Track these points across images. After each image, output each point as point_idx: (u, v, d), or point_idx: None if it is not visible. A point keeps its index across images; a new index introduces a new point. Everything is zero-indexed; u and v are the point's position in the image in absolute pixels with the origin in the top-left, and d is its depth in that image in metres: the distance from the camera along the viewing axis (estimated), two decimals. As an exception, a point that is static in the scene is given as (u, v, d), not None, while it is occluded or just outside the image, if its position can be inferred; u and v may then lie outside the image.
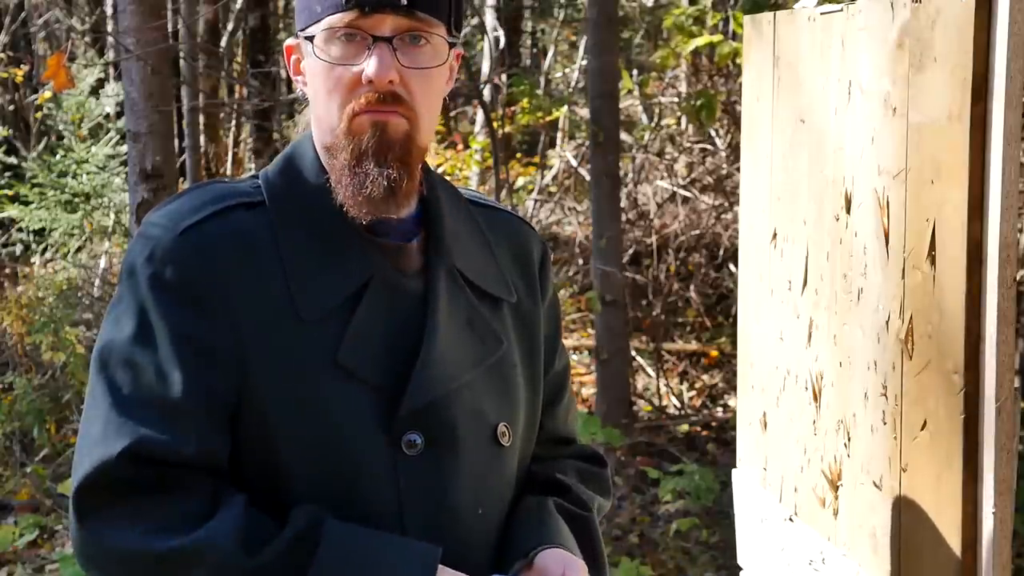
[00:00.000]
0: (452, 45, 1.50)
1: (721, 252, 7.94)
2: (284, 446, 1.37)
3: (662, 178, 8.71)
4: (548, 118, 9.73)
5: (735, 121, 7.65)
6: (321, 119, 1.45)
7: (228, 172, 12.00)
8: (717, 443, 6.34)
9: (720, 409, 7.05)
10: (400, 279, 1.46)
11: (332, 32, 1.41)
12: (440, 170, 9.32)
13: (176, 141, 7.94)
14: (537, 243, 1.66)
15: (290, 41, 1.50)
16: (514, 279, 1.58)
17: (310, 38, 1.43)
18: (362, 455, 1.39)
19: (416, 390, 1.40)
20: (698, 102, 6.68)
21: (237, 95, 11.52)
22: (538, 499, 1.57)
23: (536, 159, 10.18)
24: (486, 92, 8.82)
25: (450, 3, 1.47)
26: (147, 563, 1.30)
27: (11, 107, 9.80)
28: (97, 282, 8.78)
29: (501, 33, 10.60)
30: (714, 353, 7.58)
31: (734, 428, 2.67)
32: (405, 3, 1.39)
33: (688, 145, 8.80)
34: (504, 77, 10.00)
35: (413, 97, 1.42)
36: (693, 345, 7.82)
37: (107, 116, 9.61)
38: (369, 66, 1.39)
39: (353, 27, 1.40)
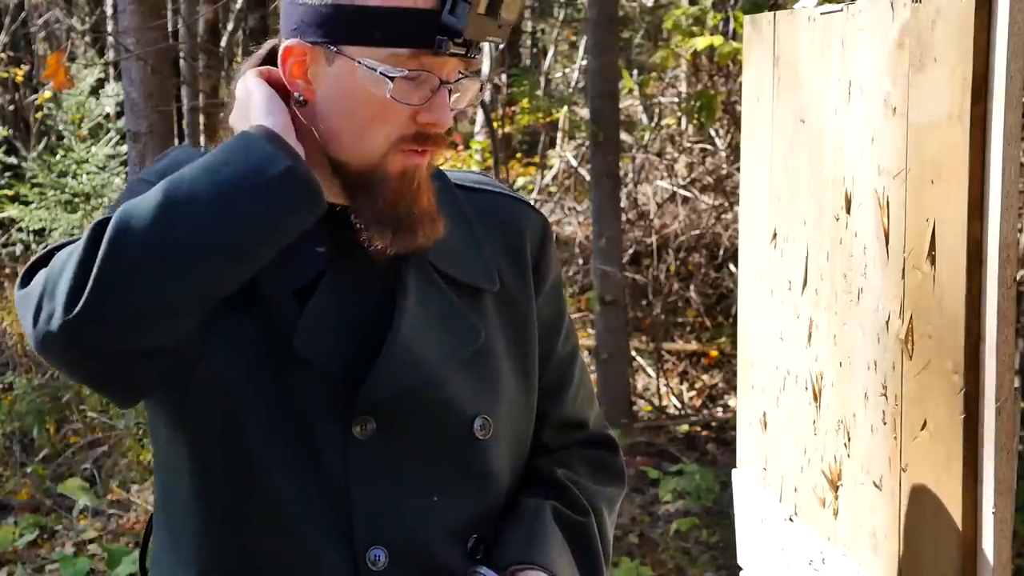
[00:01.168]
0: (480, 83, 1.50)
1: (721, 252, 7.94)
2: (244, 417, 1.39)
3: (662, 178, 8.72)
4: (548, 118, 9.73)
5: (735, 121, 7.65)
6: (345, 139, 1.40)
7: (228, 172, 11.97)
8: (717, 443, 6.34)
9: (720, 409, 7.05)
10: (367, 268, 1.44)
11: (398, 62, 1.36)
12: (440, 170, 9.31)
13: (176, 141, 7.94)
14: (534, 224, 1.64)
15: (300, 45, 1.40)
16: (501, 265, 1.56)
17: (361, 60, 1.37)
18: (315, 435, 1.41)
19: (377, 380, 1.41)
20: (698, 102, 6.68)
21: (237, 95, 11.51)
22: (535, 503, 1.56)
23: (536, 159, 10.18)
24: (486, 92, 8.82)
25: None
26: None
27: (11, 107, 9.80)
28: (97, 282, 8.77)
29: (501, 33, 10.60)
30: (714, 353, 7.58)
31: (734, 428, 2.67)
32: (473, 55, 1.39)
33: (688, 145, 8.80)
34: (504, 77, 10.00)
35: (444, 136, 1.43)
36: (693, 345, 7.82)
37: (107, 116, 9.60)
38: (435, 111, 1.38)
39: (425, 68, 1.36)
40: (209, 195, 1.26)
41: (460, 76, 1.41)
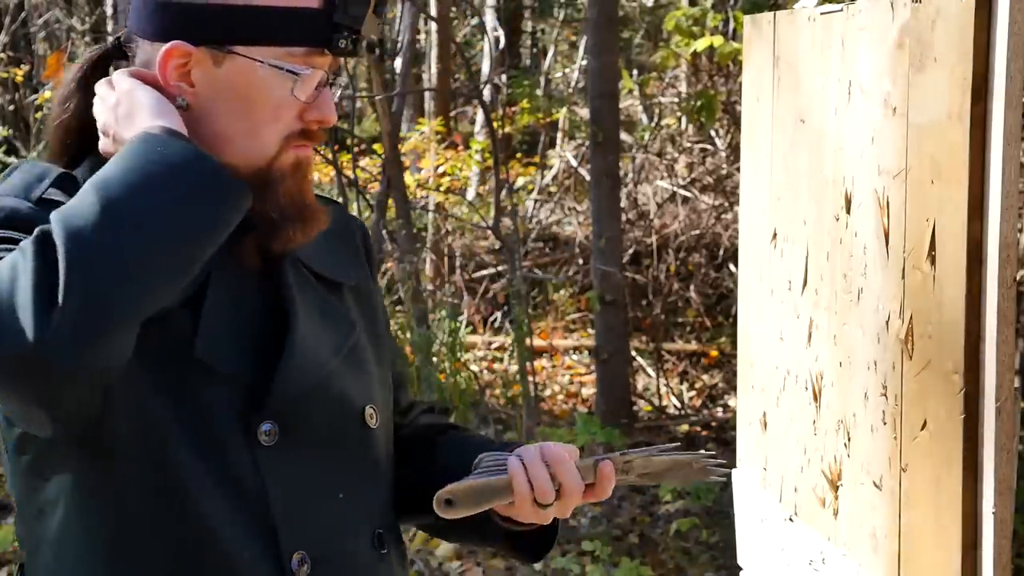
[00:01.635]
0: (341, 86, 1.50)
1: (721, 252, 7.94)
2: (160, 431, 1.35)
3: (662, 178, 8.72)
4: (548, 118, 9.74)
5: (735, 121, 7.65)
6: (236, 140, 1.38)
7: (228, 172, 11.98)
8: (717, 443, 6.34)
9: (720, 409, 7.05)
10: (244, 269, 1.44)
11: (293, 61, 1.37)
12: (440, 170, 9.32)
13: (176, 141, 7.91)
14: (356, 224, 1.68)
15: (184, 47, 1.36)
16: (350, 262, 1.59)
17: (264, 59, 1.37)
18: (224, 446, 1.38)
19: (282, 384, 1.39)
20: (698, 102, 6.68)
21: (237, 95, 11.49)
22: (459, 434, 1.65)
23: (536, 159, 10.19)
24: (486, 92, 8.82)
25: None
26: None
27: (11, 107, 9.80)
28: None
29: (501, 33, 10.60)
30: (714, 353, 7.58)
31: (734, 428, 2.67)
32: (358, 51, 1.39)
33: (688, 145, 8.80)
34: (504, 77, 10.00)
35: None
36: (693, 345, 7.82)
37: (107, 116, 9.59)
38: (323, 108, 1.40)
39: (315, 66, 1.38)
40: (155, 202, 1.24)
41: (334, 76, 1.43)
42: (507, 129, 9.12)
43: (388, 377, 1.59)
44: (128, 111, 1.35)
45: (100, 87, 1.41)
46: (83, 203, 1.23)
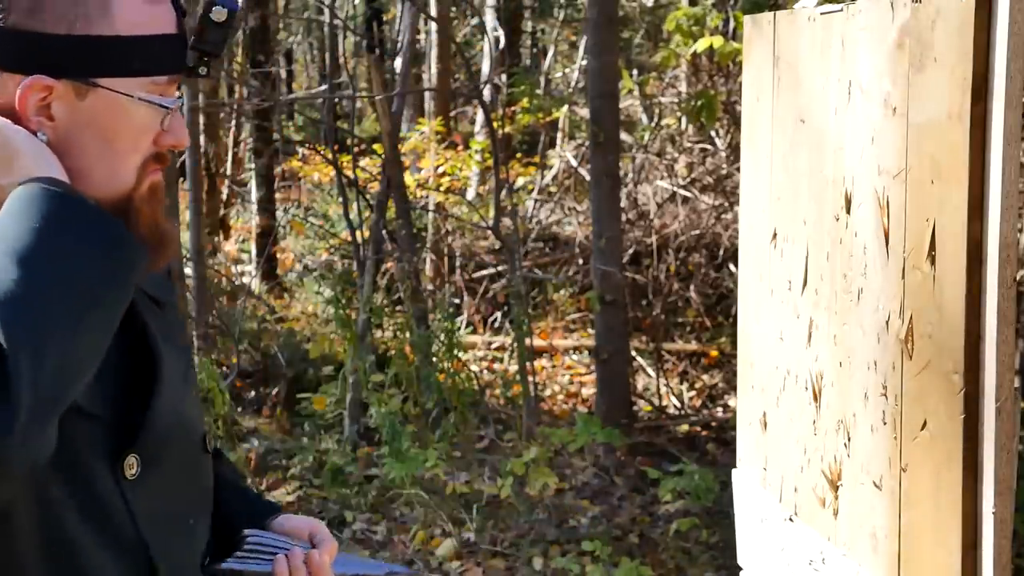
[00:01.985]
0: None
1: (721, 252, 7.94)
2: (42, 475, 1.30)
3: (662, 178, 8.72)
4: (548, 118, 9.74)
5: (735, 121, 7.66)
6: (97, 172, 1.35)
7: (228, 172, 12.00)
8: (717, 443, 6.34)
9: (720, 409, 7.05)
10: None
11: (153, 90, 1.35)
12: (440, 170, 9.33)
13: (176, 141, 7.92)
14: None
15: (46, 80, 1.31)
16: (162, 278, 1.59)
17: (130, 92, 1.34)
18: (96, 483, 1.36)
19: (154, 418, 1.39)
20: (698, 102, 6.68)
21: (237, 95, 11.52)
22: (234, 480, 1.67)
23: (536, 159, 10.19)
24: (486, 92, 8.82)
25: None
26: None
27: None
28: (97, 282, 8.77)
29: (501, 33, 10.61)
30: (714, 353, 7.58)
31: (734, 428, 2.67)
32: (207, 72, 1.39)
33: (688, 145, 8.80)
34: (504, 77, 10.00)
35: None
36: (693, 345, 7.82)
37: (107, 116, 9.58)
38: (178, 131, 1.39)
39: (166, 92, 1.36)
40: (77, 279, 1.20)
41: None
42: (507, 129, 9.12)
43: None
44: (3, 153, 1.30)
45: None
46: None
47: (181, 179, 7.91)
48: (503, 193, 7.05)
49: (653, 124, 9.23)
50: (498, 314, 8.45)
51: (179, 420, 1.45)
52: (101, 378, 1.33)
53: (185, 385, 1.49)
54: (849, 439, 2.02)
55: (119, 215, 1.33)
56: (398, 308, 7.28)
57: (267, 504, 1.66)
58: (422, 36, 12.28)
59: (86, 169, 1.34)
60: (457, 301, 8.27)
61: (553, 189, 9.89)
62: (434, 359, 6.13)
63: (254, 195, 10.46)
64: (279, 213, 10.57)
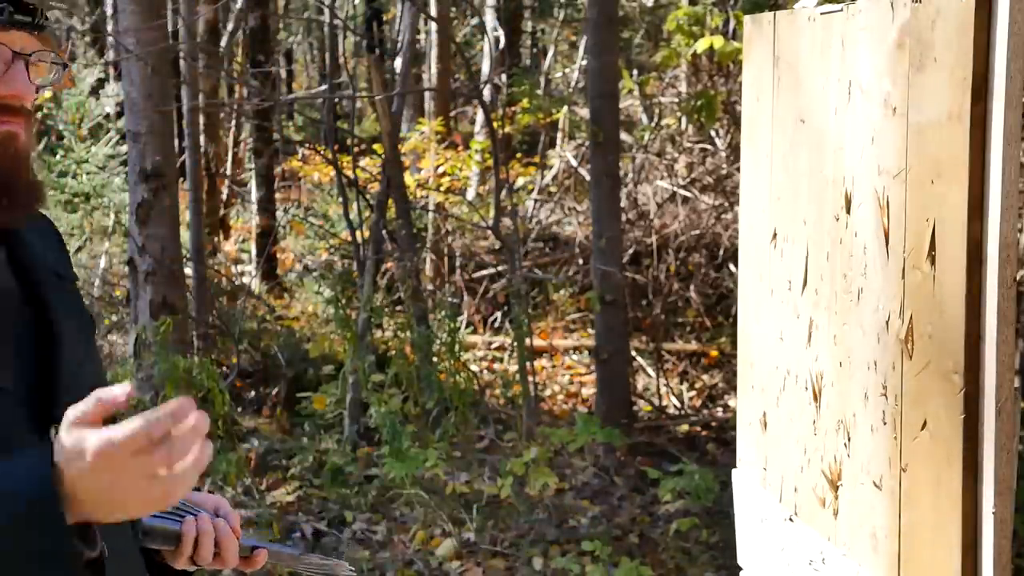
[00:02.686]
0: (64, 67, 1.55)
1: (721, 252, 7.94)
2: None
3: (662, 178, 8.72)
4: (548, 118, 9.74)
5: (735, 121, 7.66)
6: None
7: (228, 172, 12.00)
8: (717, 443, 6.34)
9: (720, 409, 7.05)
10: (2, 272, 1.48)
11: None
12: (440, 170, 9.33)
13: (176, 141, 7.94)
14: (50, 220, 1.70)
15: None
16: (64, 257, 1.63)
17: None
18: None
19: (65, 392, 1.40)
20: (698, 102, 6.69)
21: (237, 95, 11.51)
22: None
23: (536, 159, 10.19)
24: (486, 92, 8.82)
25: (68, 30, 1.49)
26: None
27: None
28: (97, 282, 8.78)
29: (501, 33, 10.61)
30: (714, 353, 7.58)
31: (734, 428, 2.67)
32: (42, 24, 1.44)
33: (688, 145, 8.80)
34: (504, 77, 10.00)
35: (32, 110, 1.47)
36: (693, 345, 7.82)
37: (107, 116, 9.60)
38: (10, 82, 1.42)
39: (3, 41, 1.42)
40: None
41: (42, 55, 1.46)
42: (507, 129, 9.12)
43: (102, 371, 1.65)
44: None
45: None
46: None
47: (181, 179, 7.91)
48: (503, 193, 7.05)
49: (653, 124, 9.24)
50: (498, 314, 8.45)
51: (81, 394, 1.46)
52: (7, 352, 1.39)
53: (87, 359, 1.53)
54: (849, 439, 2.02)
55: None
56: (398, 308, 7.28)
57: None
58: (422, 36, 12.28)
59: None
60: (457, 301, 8.27)
61: (553, 189, 9.89)
62: (434, 359, 6.13)
63: (254, 195, 10.46)
64: (279, 213, 10.58)
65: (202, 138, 9.53)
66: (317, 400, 6.41)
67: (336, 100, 10.19)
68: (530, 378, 6.27)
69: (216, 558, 1.60)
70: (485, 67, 10.36)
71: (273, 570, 4.32)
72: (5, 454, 1.34)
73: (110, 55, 10.94)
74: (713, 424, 6.74)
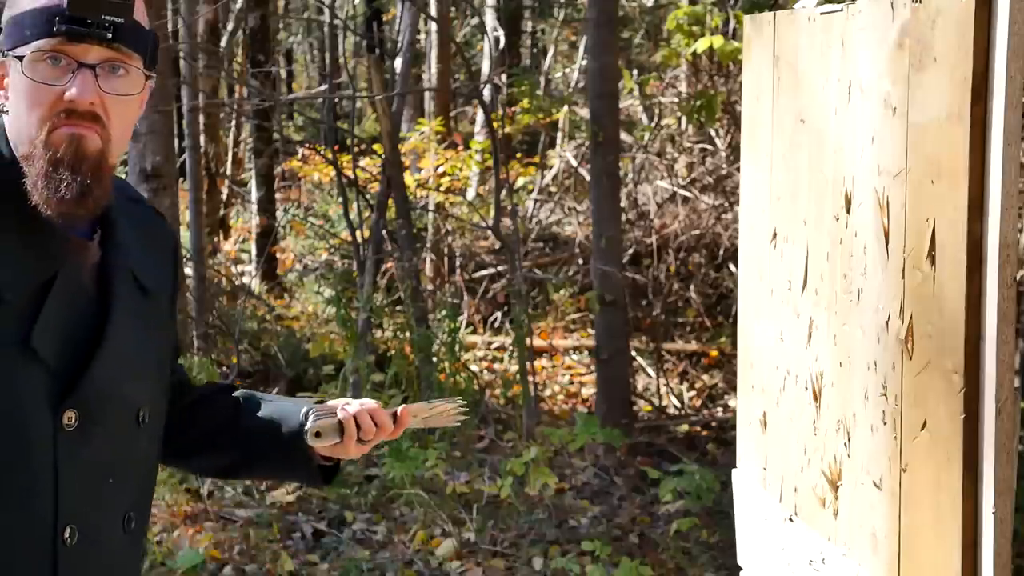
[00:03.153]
0: (148, 78, 1.67)
1: (721, 252, 7.94)
2: None
3: (662, 178, 8.72)
4: (548, 118, 9.74)
5: (735, 121, 7.66)
6: (21, 131, 1.60)
7: (228, 172, 12.00)
8: (717, 443, 6.34)
9: (720, 409, 7.05)
10: (80, 272, 1.65)
11: (40, 54, 1.57)
12: (440, 170, 9.33)
13: (176, 141, 7.94)
14: (170, 234, 1.90)
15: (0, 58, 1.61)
16: (163, 271, 1.81)
17: (19, 58, 1.58)
18: (29, 426, 1.57)
19: (89, 379, 1.60)
20: (698, 102, 6.69)
21: (237, 95, 11.51)
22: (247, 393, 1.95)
23: (536, 159, 10.19)
24: (486, 92, 8.82)
25: (147, 41, 1.64)
26: None
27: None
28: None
29: (501, 33, 10.61)
30: (714, 353, 7.58)
31: (734, 428, 2.67)
32: (110, 37, 1.57)
33: (688, 145, 8.80)
34: (504, 77, 10.00)
35: (109, 120, 1.60)
36: (693, 345, 7.82)
37: (107, 116, 9.56)
38: (72, 88, 1.56)
39: (59, 51, 1.56)
40: None
41: (112, 64, 1.59)
42: (507, 129, 9.11)
43: (164, 376, 1.81)
44: None
45: None
46: None
47: (181, 179, 7.91)
48: (503, 193, 7.05)
49: (653, 124, 9.23)
50: (498, 314, 8.45)
51: (118, 392, 1.66)
52: (62, 337, 1.59)
53: (138, 364, 1.69)
54: (849, 439, 2.02)
55: (32, 158, 1.57)
56: (398, 308, 7.28)
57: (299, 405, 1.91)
58: (422, 36, 12.28)
59: (16, 130, 1.60)
60: (457, 301, 8.27)
61: (553, 189, 9.89)
62: (434, 359, 6.13)
63: (254, 195, 10.46)
64: (279, 213, 10.57)
65: (202, 138, 9.53)
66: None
67: (336, 100, 10.19)
68: (530, 378, 6.27)
69: (378, 432, 1.84)
70: (485, 67, 10.36)
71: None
72: (17, 427, 1.55)
73: (110, 55, 10.90)
74: (713, 424, 6.74)
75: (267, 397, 1.95)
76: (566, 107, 10.02)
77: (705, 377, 7.48)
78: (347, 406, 1.84)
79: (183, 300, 6.32)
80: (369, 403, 1.85)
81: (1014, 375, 1.68)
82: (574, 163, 9.54)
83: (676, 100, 8.92)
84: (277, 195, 11.15)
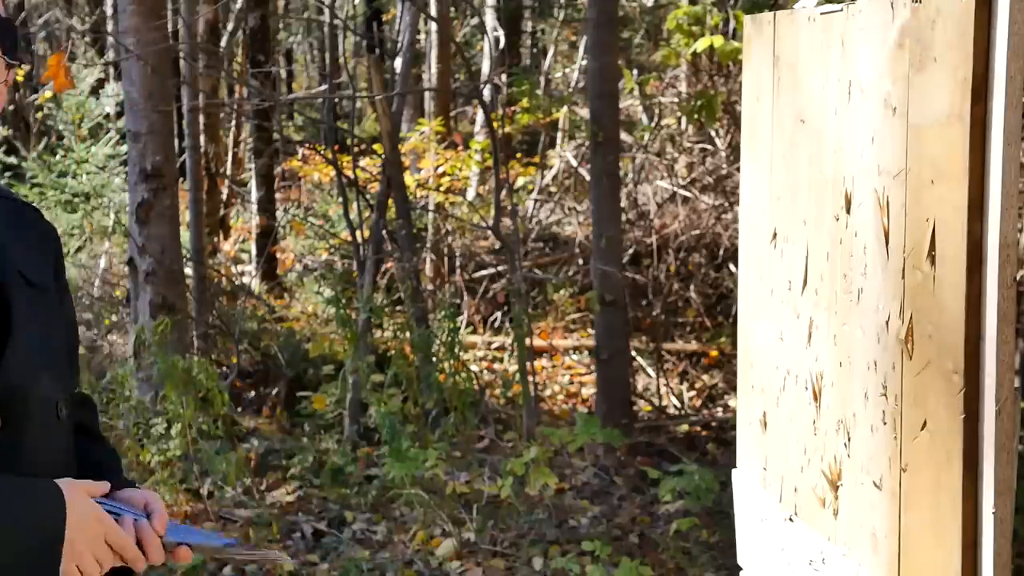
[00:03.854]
0: (9, 67, 1.67)
1: (721, 252, 7.94)
2: None
3: (662, 178, 8.72)
4: (548, 118, 9.73)
5: (735, 121, 7.66)
6: None
7: (228, 172, 12.00)
8: (717, 443, 6.34)
9: (720, 409, 7.05)
10: None
11: None
12: (440, 170, 9.33)
13: (176, 141, 7.94)
14: (53, 229, 1.85)
15: None
16: (50, 265, 1.77)
17: None
18: None
19: (4, 380, 1.57)
20: (698, 102, 6.68)
21: (237, 95, 11.52)
22: (101, 448, 1.89)
23: (536, 159, 10.19)
24: (486, 92, 8.82)
25: (7, 30, 1.64)
26: None
27: (11, 107, 9.80)
28: (97, 282, 8.78)
29: (501, 33, 10.61)
30: (714, 353, 7.58)
31: (734, 428, 2.67)
32: None
33: (688, 145, 8.80)
34: (504, 77, 9.99)
35: None
36: (693, 345, 7.82)
37: (107, 116, 9.60)
38: None
39: None
40: None
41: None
42: (507, 129, 9.11)
43: (77, 374, 1.81)
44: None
45: None
46: None
47: (181, 179, 7.91)
48: (503, 193, 7.05)
49: (653, 124, 9.23)
50: (498, 314, 8.45)
51: (37, 387, 1.63)
52: None
53: (52, 360, 1.67)
54: (849, 439, 2.02)
55: None
56: (398, 308, 7.27)
57: (117, 471, 1.85)
58: (422, 36, 12.28)
59: None
60: (457, 301, 8.27)
61: (553, 189, 9.89)
62: (434, 359, 6.13)
63: (254, 195, 10.46)
64: (279, 213, 10.57)
65: (202, 138, 9.52)
66: (317, 400, 6.41)
67: (336, 100, 10.19)
68: (530, 378, 6.27)
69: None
70: (485, 67, 10.36)
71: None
72: None
73: (110, 55, 10.94)
74: (713, 424, 6.74)
75: (93, 434, 1.88)
76: (566, 107, 10.02)
77: (705, 377, 7.48)
78: (121, 516, 1.69)
79: (183, 300, 6.32)
80: (147, 522, 1.71)
81: (1014, 375, 1.68)
82: (574, 163, 9.54)
83: (676, 100, 8.92)
84: (277, 195, 11.15)
